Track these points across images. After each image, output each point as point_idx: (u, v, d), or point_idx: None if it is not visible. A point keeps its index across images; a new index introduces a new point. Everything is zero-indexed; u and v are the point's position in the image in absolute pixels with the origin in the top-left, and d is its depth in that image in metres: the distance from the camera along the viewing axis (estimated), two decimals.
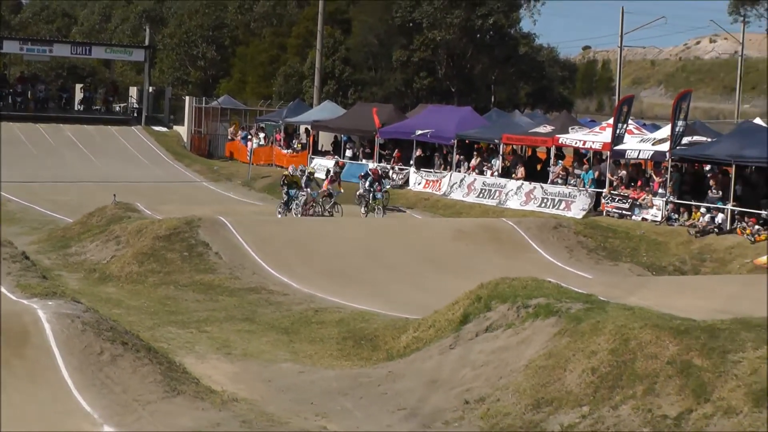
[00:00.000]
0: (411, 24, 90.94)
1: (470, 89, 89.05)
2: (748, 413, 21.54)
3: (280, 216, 53.03)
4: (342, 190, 55.48)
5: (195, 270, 40.04)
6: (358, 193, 56.59)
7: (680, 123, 51.59)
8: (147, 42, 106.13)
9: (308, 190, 53.16)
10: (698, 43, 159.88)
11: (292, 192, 53.01)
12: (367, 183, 56.04)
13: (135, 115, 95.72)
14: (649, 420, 22.06)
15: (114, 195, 52.92)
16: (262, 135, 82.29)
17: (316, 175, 57.25)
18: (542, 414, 22.96)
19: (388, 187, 58.24)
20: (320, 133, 76.88)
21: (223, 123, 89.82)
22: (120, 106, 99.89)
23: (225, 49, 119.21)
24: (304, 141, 77.75)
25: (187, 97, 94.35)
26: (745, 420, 21.44)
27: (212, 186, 75.43)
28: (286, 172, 55.79)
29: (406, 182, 64.55)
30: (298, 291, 38.07)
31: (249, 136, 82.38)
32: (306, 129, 78.64)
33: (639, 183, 51.97)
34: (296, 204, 52.83)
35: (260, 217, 53.51)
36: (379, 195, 55.02)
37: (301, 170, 53.79)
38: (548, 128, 60.49)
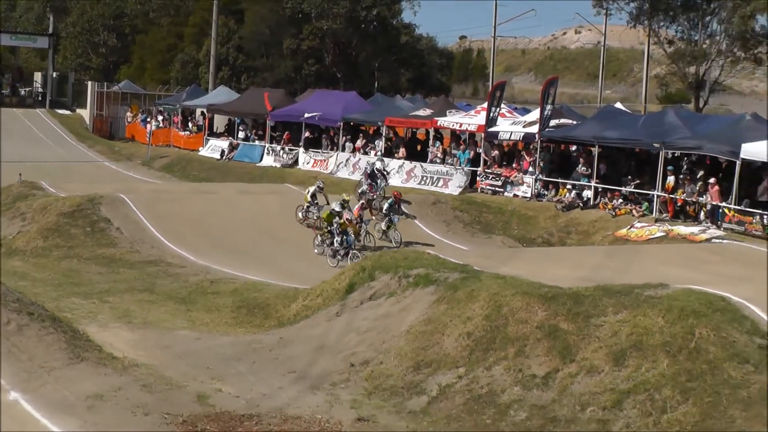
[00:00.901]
0: (300, 14, 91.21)
1: (355, 75, 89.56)
2: (608, 372, 22.09)
3: (322, 254, 41.10)
4: (373, 217, 44.47)
5: (97, 244, 39.98)
6: (361, 190, 47.17)
7: (548, 107, 52.30)
8: (51, 30, 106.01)
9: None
10: (565, 34, 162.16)
11: (348, 238, 40.20)
12: (386, 206, 44.84)
13: (40, 99, 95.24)
14: (520, 379, 22.47)
15: (20, 174, 52.23)
16: (160, 118, 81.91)
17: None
18: (422, 375, 23.33)
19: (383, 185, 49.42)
20: (215, 116, 76.86)
21: (124, 106, 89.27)
22: (25, 90, 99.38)
23: (125, 37, 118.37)
24: (200, 123, 77.45)
25: (89, 82, 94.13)
26: (606, 378, 21.97)
27: (113, 165, 74.73)
28: (338, 215, 41.03)
29: (296, 162, 64.60)
30: (194, 263, 38.32)
31: (148, 119, 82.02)
32: (202, 112, 78.37)
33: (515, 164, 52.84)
34: (347, 246, 40.23)
35: (159, 194, 52.30)
36: (396, 219, 43.96)
37: (319, 187, 44.03)
38: (427, 112, 60.96)
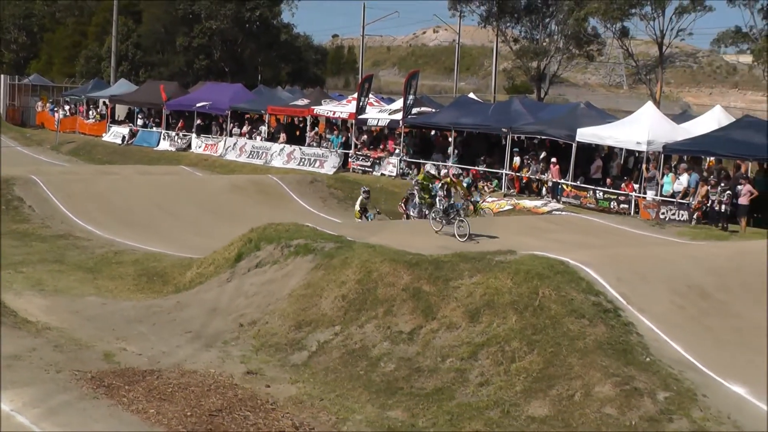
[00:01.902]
0: (191, 15, 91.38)
1: (241, 69, 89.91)
2: (465, 327, 22.54)
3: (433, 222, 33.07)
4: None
5: (11, 221, 39.35)
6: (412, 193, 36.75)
7: (410, 97, 52.68)
8: None
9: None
10: (424, 32, 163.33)
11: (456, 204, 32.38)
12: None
13: None
14: (388, 335, 22.87)
15: None
16: (67, 107, 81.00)
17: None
18: (303, 333, 23.64)
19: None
20: (117, 105, 75.97)
21: (34, 97, 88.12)
22: None
23: (34, 35, 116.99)
24: (103, 112, 76.66)
25: (2, 76, 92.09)
26: (462, 333, 22.42)
27: (25, 150, 73.45)
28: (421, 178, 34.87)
29: (189, 146, 64.24)
30: (100, 237, 37.86)
31: (56, 108, 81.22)
32: (104, 102, 77.56)
33: (382, 145, 53.22)
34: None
35: (67, 176, 51.68)
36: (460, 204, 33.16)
37: (365, 194, 35.48)
38: (305, 101, 61.13)
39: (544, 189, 43.65)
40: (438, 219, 32.32)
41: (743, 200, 36.37)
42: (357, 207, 34.04)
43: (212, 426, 19.15)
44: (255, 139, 58.16)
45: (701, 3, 66.47)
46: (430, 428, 19.73)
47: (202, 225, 39.73)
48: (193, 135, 63.43)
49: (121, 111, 77.03)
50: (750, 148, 39.61)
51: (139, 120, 71.14)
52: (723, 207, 36.42)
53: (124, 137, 70.11)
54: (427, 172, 35.59)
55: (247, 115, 62.56)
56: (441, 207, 32.16)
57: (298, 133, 59.35)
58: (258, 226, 29.83)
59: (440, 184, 32.94)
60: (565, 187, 42.70)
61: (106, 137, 72.71)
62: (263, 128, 58.57)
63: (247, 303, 25.58)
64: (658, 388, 20.23)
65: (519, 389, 20.54)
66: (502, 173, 45.39)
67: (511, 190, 44.63)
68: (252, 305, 25.35)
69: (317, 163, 52.00)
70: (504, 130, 46.04)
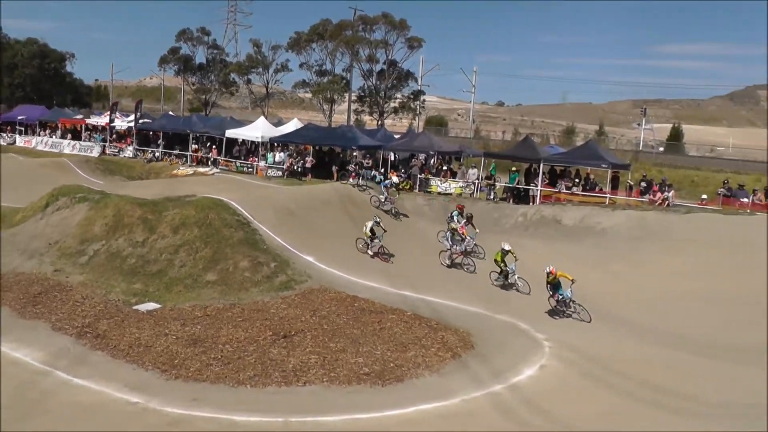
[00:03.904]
0: (14, 65, 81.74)
1: (44, 97, 79.46)
2: (171, 236, 23.34)
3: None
4: (478, 231, 26.05)
5: None
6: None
7: (138, 114, 50.90)
8: None
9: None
10: (151, 78, 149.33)
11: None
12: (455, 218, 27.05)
13: None
14: (131, 243, 22.98)
15: None
16: None
17: None
18: (84, 246, 23.45)
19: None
20: None
21: None
22: None
23: None
24: None
25: None
26: (170, 240, 23.17)
27: None
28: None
29: (15, 142, 56.48)
30: None
31: None
32: None
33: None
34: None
35: None
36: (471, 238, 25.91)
37: (376, 221, 25.71)
38: (81, 116, 56.87)
39: (210, 162, 43.28)
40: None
41: (308, 164, 39.25)
42: (367, 230, 24.98)
43: (36, 302, 19.43)
44: (53, 137, 55.04)
45: (284, 71, 71.93)
46: (155, 291, 20.38)
47: (24, 189, 34.07)
48: (17, 135, 57.97)
49: None
50: (307, 139, 40.92)
51: None
52: (298, 168, 39.47)
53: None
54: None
55: (49, 124, 57.06)
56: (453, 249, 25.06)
57: (78, 133, 55.81)
58: (57, 187, 28.33)
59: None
60: (220, 160, 42.64)
61: None
62: (58, 131, 55.83)
63: (52, 231, 24.69)
64: (271, 260, 22.19)
65: (201, 267, 21.76)
66: (187, 154, 44.93)
67: (192, 164, 44.12)
68: (55, 232, 24.54)
69: (89, 151, 50.31)
70: (188, 131, 47.13)
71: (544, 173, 33.48)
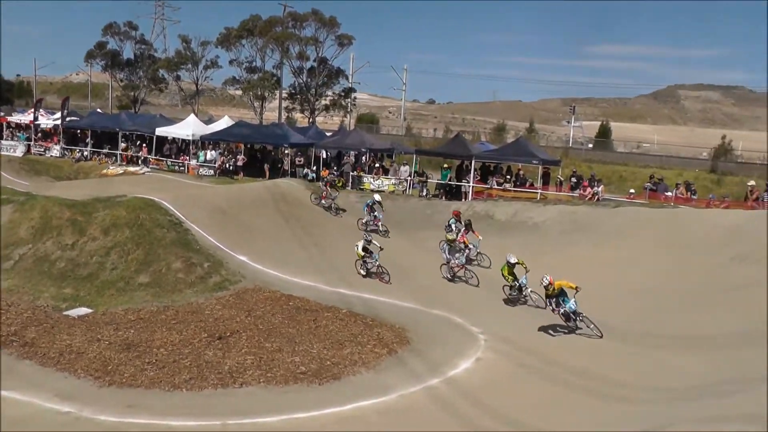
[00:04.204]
0: None
1: None
2: (102, 238, 22.97)
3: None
4: (481, 237, 24.76)
5: None
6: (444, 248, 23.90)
7: (65, 111, 49.60)
8: None
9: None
10: (77, 74, 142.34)
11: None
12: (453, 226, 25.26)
13: None
14: (60, 246, 22.61)
15: None
16: None
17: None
18: (9, 250, 22.62)
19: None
20: None
21: None
22: None
23: None
24: None
25: None
26: (100, 241, 22.80)
27: None
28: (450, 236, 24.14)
29: None
30: None
31: None
32: None
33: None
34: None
35: None
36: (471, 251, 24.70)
37: (366, 240, 23.40)
38: (2, 113, 54.05)
39: (140, 161, 43.10)
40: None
41: (239, 162, 38.96)
42: (359, 250, 22.88)
43: None
44: None
45: (214, 67, 71.02)
46: (87, 296, 20.03)
47: None
48: None
49: None
50: (238, 137, 41.33)
51: None
52: (230, 166, 39.33)
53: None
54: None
55: None
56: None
57: None
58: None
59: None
60: (151, 159, 42.56)
61: None
62: None
63: None
64: (204, 261, 22.00)
65: (133, 269, 21.45)
66: (117, 153, 44.28)
67: (121, 163, 43.57)
68: None
69: (12, 150, 48.78)
70: (117, 129, 46.19)
71: (475, 170, 33.93)
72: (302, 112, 68.22)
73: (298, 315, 18.67)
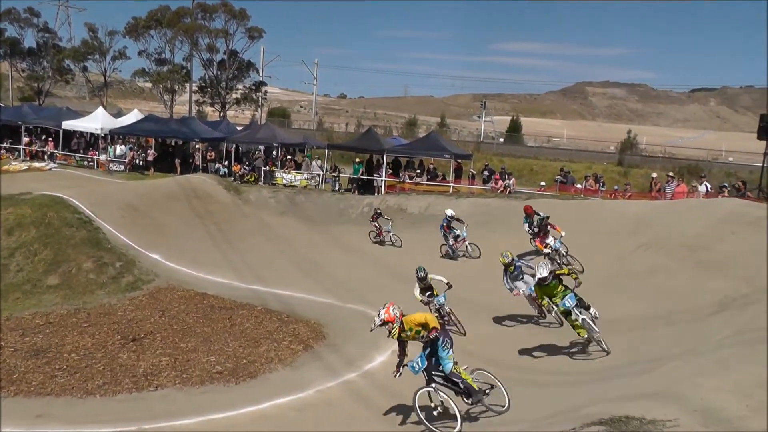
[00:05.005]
0: None
1: None
2: (5, 239, 22.36)
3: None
4: (563, 233, 21.05)
5: None
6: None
7: None
8: None
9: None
10: None
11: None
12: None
13: None
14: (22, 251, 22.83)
15: None
16: None
17: None
18: None
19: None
20: None
21: None
22: None
23: None
24: None
25: None
26: (3, 243, 22.18)
27: None
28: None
29: None
30: None
31: None
32: None
33: None
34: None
35: None
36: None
37: (420, 278, 17.28)
38: None
39: (46, 156, 42.03)
40: None
41: (150, 157, 38.76)
42: (417, 294, 17.41)
43: None
44: None
45: (122, 58, 69.13)
46: None
47: None
48: None
49: None
50: (149, 132, 41.29)
51: None
52: (141, 161, 38.75)
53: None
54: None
55: None
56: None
57: None
58: None
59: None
60: (57, 153, 41.35)
61: None
62: None
63: None
64: (116, 260, 21.63)
65: (41, 270, 20.89)
66: (20, 148, 43.48)
67: (23, 158, 42.24)
68: None
69: None
70: (20, 122, 44.83)
71: (387, 164, 34.31)
72: (213, 105, 67.33)
73: (212, 313, 18.53)
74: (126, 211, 25.71)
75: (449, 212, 24.73)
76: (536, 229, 21.23)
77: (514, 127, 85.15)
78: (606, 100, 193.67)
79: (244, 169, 34.15)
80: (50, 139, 43.01)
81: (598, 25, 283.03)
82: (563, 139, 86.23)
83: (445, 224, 24.35)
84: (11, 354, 15.84)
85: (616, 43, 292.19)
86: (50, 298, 19.47)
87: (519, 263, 16.84)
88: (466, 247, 24.00)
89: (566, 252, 20.64)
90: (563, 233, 20.81)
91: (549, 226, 21.03)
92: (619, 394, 10.77)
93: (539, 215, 21.67)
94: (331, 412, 13.29)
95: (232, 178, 33.17)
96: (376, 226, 26.86)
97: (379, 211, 27.65)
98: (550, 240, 20.71)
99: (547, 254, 19.99)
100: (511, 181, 32.90)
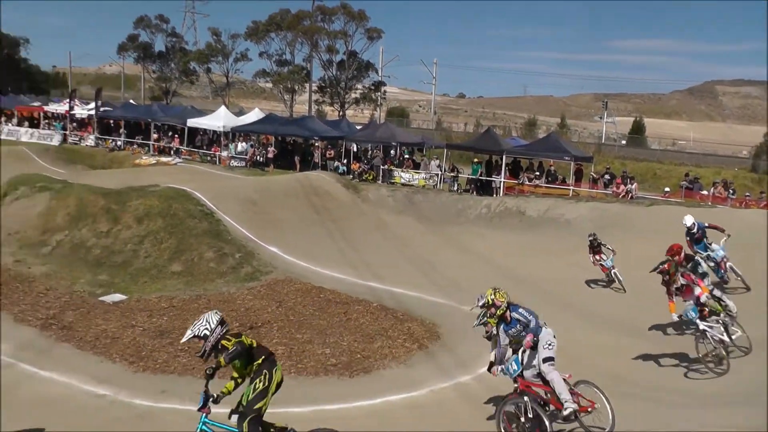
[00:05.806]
0: None
1: None
2: (136, 227, 23.43)
3: None
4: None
5: None
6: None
7: (99, 102, 50.19)
8: None
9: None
10: (110, 65, 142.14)
11: None
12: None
13: None
14: (95, 234, 23.11)
15: None
16: None
17: None
18: (47, 236, 23.24)
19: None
20: None
21: None
22: None
23: None
24: None
25: None
26: (134, 230, 23.23)
27: None
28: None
29: None
30: None
31: None
32: None
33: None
34: None
35: None
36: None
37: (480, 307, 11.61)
38: (38, 103, 55.71)
39: (172, 151, 43.84)
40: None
41: (270, 155, 39.56)
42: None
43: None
44: (8, 125, 53.49)
45: (244, 60, 71.49)
46: (121, 283, 20.31)
47: None
48: None
49: None
50: (269, 130, 41.74)
51: None
52: (261, 158, 39.67)
53: None
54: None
55: (5, 111, 55.07)
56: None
57: (36, 121, 54.01)
58: (13, 177, 27.78)
59: None
60: (183, 149, 43.20)
61: None
62: (14, 119, 54.18)
63: (12, 221, 24.22)
64: (236, 251, 22.36)
65: (166, 257, 21.85)
66: (150, 144, 45.25)
67: (152, 153, 44.30)
68: (16, 222, 24.17)
69: (48, 139, 49.53)
70: (150, 120, 46.66)
71: (507, 165, 33.88)
72: (332, 105, 68.48)
73: (328, 307, 18.72)
74: (245, 206, 26.42)
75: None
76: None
77: (637, 129, 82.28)
78: (738, 99, 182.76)
79: (363, 167, 34.49)
80: (176, 135, 44.78)
81: (729, 18, 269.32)
82: (689, 142, 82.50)
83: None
84: (140, 333, 16.65)
85: (744, 39, 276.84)
86: (173, 283, 20.21)
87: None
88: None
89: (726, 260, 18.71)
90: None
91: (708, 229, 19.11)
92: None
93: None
94: (442, 414, 13.07)
95: (351, 176, 33.55)
96: (597, 261, 20.95)
97: (598, 241, 21.24)
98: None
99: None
100: (633, 186, 31.85)
